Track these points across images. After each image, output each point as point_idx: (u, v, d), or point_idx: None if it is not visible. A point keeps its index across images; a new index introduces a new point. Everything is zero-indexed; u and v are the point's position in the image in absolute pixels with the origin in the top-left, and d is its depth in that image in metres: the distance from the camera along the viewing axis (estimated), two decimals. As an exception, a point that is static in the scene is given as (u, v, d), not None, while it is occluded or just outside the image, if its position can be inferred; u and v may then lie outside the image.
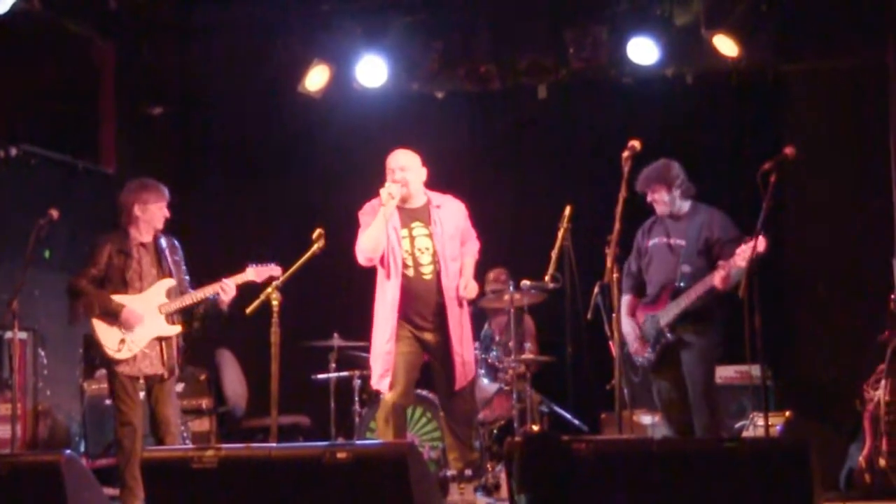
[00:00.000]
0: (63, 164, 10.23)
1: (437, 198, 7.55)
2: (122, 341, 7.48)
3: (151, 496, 5.59)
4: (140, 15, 10.46)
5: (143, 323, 7.50)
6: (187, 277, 7.78)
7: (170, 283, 7.63)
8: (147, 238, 7.67)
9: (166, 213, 7.68)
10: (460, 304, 7.43)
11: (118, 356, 7.47)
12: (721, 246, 7.23)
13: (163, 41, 10.66)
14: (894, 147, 8.71)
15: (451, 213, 7.52)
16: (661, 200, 7.45)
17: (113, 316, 7.47)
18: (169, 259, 7.68)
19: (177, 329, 7.62)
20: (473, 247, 7.62)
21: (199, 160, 11.26)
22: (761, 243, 6.74)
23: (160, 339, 7.57)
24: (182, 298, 7.60)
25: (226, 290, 7.58)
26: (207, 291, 7.59)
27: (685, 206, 7.49)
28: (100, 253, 7.56)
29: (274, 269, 7.61)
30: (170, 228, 7.79)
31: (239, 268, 7.68)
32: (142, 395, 7.61)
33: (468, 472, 7.47)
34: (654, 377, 7.53)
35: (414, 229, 7.44)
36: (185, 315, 7.72)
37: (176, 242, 7.81)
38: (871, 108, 9.33)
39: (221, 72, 10.56)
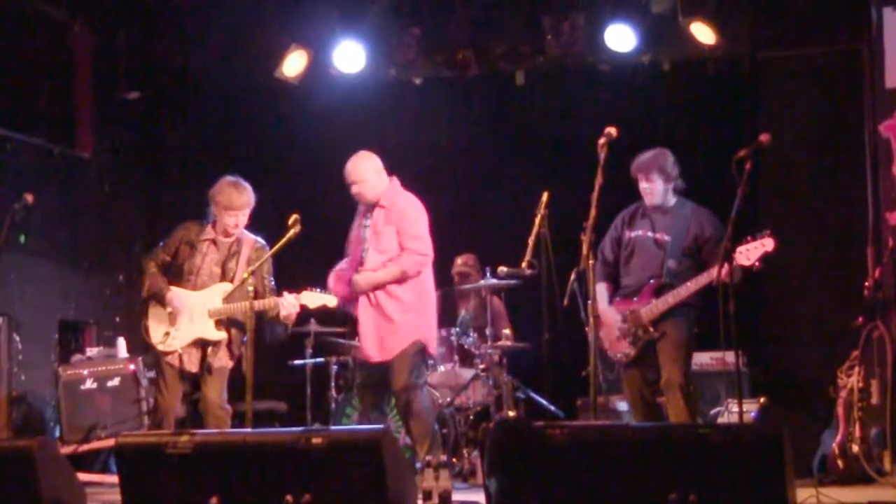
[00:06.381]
0: (39, 149, 10.16)
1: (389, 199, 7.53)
2: (167, 334, 7.40)
3: (126, 481, 5.58)
4: (117, -1, 10.44)
5: (191, 320, 7.38)
6: (272, 285, 7.52)
7: (228, 286, 7.42)
8: (221, 237, 7.51)
9: (234, 222, 7.45)
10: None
11: (161, 347, 7.42)
12: (714, 244, 7.14)
13: (140, 25, 10.62)
14: (869, 135, 8.73)
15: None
16: (655, 190, 7.39)
17: (159, 298, 7.40)
18: (241, 264, 7.44)
19: (222, 336, 7.39)
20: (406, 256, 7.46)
21: (175, 145, 11.21)
22: (770, 243, 6.80)
23: (203, 342, 7.42)
24: (232, 307, 7.32)
25: (286, 306, 7.32)
26: (263, 305, 7.33)
27: (673, 199, 7.46)
28: (172, 238, 7.55)
29: (329, 300, 7.44)
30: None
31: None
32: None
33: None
34: (628, 366, 7.49)
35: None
36: (235, 323, 7.43)
37: (265, 248, 7.53)
38: (847, 96, 9.35)
39: (199, 56, 10.54)
